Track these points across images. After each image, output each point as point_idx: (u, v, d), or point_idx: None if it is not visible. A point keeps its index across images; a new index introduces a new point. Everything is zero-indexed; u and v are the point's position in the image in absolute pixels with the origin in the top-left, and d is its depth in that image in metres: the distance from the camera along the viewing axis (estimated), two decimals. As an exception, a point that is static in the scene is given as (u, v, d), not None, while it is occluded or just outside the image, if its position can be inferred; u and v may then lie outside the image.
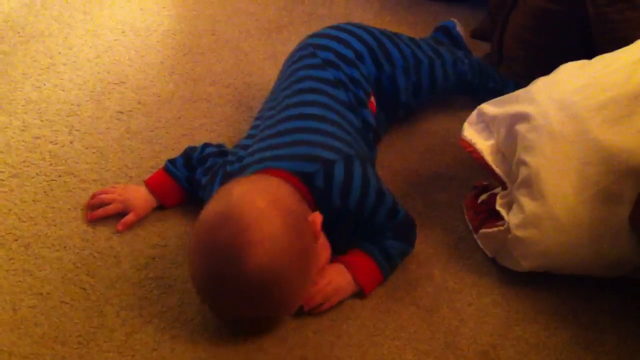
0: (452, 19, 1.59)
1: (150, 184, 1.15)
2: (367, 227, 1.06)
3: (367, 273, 1.04)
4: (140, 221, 1.13)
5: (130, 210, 1.13)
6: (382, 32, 1.32)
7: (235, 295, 0.89)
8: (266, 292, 0.89)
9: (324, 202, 1.01)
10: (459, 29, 1.56)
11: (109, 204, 1.13)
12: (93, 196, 1.15)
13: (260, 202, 0.91)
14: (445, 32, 1.55)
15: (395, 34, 1.34)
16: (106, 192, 1.15)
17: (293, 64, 1.25)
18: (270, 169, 1.01)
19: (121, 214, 1.12)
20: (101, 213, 1.13)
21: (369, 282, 1.04)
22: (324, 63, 1.21)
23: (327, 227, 0.99)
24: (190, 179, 1.15)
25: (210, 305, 0.95)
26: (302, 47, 1.28)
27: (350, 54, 1.24)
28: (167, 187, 1.16)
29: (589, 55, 1.10)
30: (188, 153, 1.18)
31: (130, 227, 1.12)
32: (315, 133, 1.08)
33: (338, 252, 1.06)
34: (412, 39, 1.36)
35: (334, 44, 1.24)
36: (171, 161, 1.18)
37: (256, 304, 0.90)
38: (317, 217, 0.96)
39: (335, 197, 1.01)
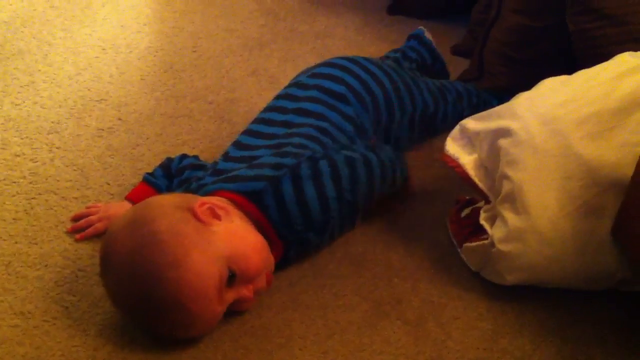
0: (420, 27, 1.60)
1: (133, 198, 1.15)
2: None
3: None
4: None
5: None
6: (401, 75, 1.31)
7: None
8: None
9: (284, 225, 1.03)
10: (427, 34, 1.57)
11: (94, 222, 1.12)
12: (75, 217, 1.14)
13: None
14: (417, 39, 1.56)
15: (413, 79, 1.33)
16: (89, 213, 1.14)
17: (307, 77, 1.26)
18: (218, 190, 1.04)
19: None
20: (91, 232, 1.11)
21: None
22: (338, 94, 1.21)
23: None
24: (169, 188, 1.16)
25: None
26: (316, 73, 1.27)
27: (367, 97, 1.23)
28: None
29: (570, 70, 1.12)
30: (166, 164, 1.20)
31: None
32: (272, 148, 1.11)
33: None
34: (425, 82, 1.36)
35: (347, 78, 1.24)
36: (149, 173, 1.19)
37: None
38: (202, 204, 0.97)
39: (294, 216, 1.03)
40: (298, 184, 1.02)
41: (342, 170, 1.05)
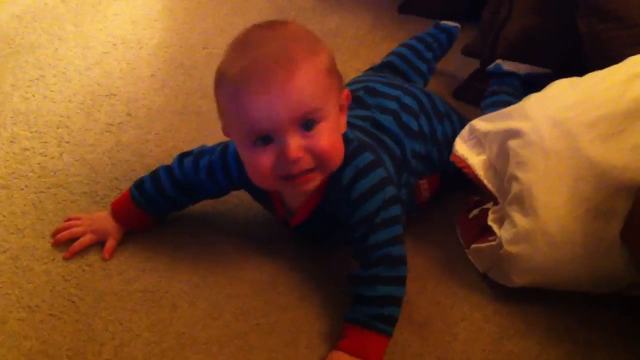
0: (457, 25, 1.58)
1: (113, 208, 1.12)
2: (358, 240, 1.00)
3: (371, 347, 0.96)
4: (129, 234, 1.12)
5: (107, 237, 1.10)
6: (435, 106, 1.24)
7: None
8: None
9: (336, 176, 0.99)
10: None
11: (79, 236, 1.10)
12: (57, 231, 1.11)
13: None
14: (449, 36, 1.55)
15: (447, 110, 1.27)
16: (71, 226, 1.11)
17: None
18: None
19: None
20: (77, 247, 1.08)
21: (379, 353, 0.96)
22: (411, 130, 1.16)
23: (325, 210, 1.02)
24: (158, 205, 1.12)
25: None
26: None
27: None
28: (134, 217, 1.12)
29: (580, 72, 1.11)
30: (161, 175, 1.12)
31: (114, 251, 1.10)
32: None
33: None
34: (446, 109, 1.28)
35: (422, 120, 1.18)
36: (138, 185, 1.12)
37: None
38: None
39: (345, 176, 0.98)
40: (372, 166, 1.00)
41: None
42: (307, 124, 0.90)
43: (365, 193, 0.98)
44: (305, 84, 0.88)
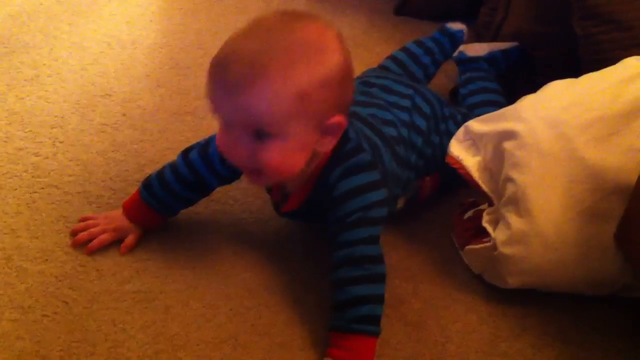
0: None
1: (125, 207, 1.12)
2: (330, 236, 1.00)
3: (359, 350, 0.95)
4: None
5: (127, 234, 1.10)
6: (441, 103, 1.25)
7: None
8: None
9: (326, 173, 0.99)
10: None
11: (98, 235, 1.09)
12: (74, 231, 1.10)
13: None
14: (452, 40, 1.51)
15: (452, 112, 1.27)
16: (88, 226, 1.10)
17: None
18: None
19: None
20: (97, 244, 1.08)
21: (368, 354, 0.96)
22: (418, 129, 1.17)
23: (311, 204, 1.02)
24: (174, 201, 1.11)
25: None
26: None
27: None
28: (148, 216, 1.11)
29: (575, 75, 1.11)
30: (168, 177, 1.09)
31: (131, 249, 1.10)
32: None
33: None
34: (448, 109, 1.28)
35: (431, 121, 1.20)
36: (146, 185, 1.11)
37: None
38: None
39: (333, 175, 0.98)
40: (363, 167, 0.99)
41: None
42: (259, 134, 0.89)
43: (348, 193, 0.98)
44: (262, 99, 0.86)
